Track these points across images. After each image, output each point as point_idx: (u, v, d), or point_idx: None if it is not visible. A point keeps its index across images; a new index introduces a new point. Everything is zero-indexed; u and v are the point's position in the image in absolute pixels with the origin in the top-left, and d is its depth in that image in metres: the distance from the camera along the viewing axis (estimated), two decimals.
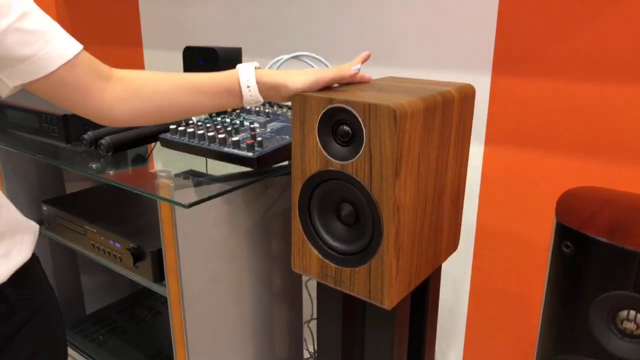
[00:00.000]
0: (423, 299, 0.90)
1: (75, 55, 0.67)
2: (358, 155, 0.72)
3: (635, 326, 0.58)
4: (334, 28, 1.44)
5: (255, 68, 0.79)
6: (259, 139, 0.98)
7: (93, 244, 1.23)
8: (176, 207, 0.88)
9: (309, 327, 1.47)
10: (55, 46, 0.66)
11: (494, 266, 1.35)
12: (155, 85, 0.76)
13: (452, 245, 0.93)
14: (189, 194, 0.90)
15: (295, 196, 0.81)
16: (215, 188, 0.94)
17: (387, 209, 0.71)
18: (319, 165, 0.76)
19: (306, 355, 1.46)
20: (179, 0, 1.77)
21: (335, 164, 0.75)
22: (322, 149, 0.75)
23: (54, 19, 0.68)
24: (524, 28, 1.15)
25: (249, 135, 1.02)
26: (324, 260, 0.81)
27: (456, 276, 1.41)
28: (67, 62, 0.67)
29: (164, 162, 1.14)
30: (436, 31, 1.27)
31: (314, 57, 1.23)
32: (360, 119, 0.70)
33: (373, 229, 0.74)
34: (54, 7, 2.14)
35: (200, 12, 1.72)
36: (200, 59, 1.25)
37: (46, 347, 0.76)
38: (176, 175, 0.99)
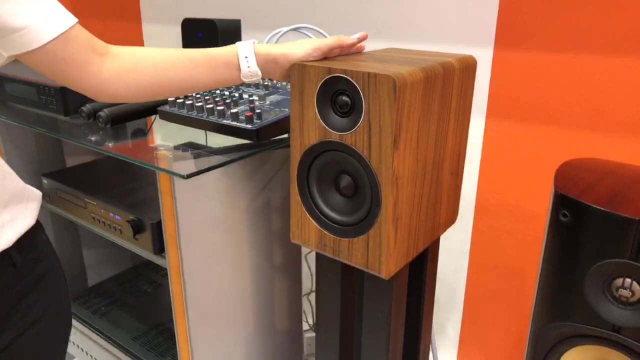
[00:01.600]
0: (421, 269, 0.91)
1: (69, 29, 0.67)
2: (357, 126, 0.71)
3: (630, 294, 0.59)
4: (334, 0, 1.42)
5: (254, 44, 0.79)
6: (257, 111, 0.97)
7: (93, 217, 1.24)
8: (175, 178, 0.88)
9: (309, 300, 1.48)
10: (48, 18, 0.65)
11: (492, 239, 1.36)
12: (152, 60, 0.76)
13: (451, 217, 0.93)
14: (188, 165, 0.90)
15: (294, 167, 0.81)
16: (214, 160, 0.94)
17: (385, 179, 0.71)
18: (317, 137, 0.76)
19: (305, 327, 1.48)
20: None
21: (334, 135, 0.74)
22: (320, 120, 0.75)
23: None
24: (526, 1, 1.14)
25: (248, 108, 1.01)
26: (323, 231, 0.81)
27: (455, 249, 1.42)
28: (61, 35, 0.66)
29: (163, 135, 1.14)
30: (438, 4, 1.26)
31: (313, 30, 1.22)
32: (359, 89, 0.69)
33: (371, 200, 0.74)
34: None
35: None
36: (199, 31, 1.24)
37: (51, 313, 0.77)
38: (175, 147, 0.99)
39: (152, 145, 1.10)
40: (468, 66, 0.83)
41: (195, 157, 0.94)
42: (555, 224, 0.64)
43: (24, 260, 0.72)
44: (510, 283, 1.37)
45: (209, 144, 1.05)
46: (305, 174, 0.80)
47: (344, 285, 0.88)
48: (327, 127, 0.75)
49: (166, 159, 0.90)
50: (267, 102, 1.06)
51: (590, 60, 1.09)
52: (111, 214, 1.18)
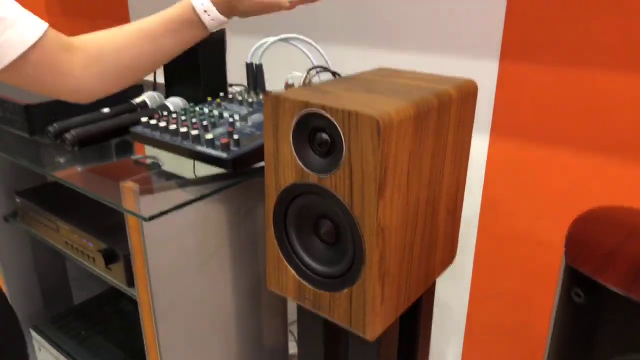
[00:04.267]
0: (414, 319, 0.81)
1: (40, 37, 0.63)
2: (337, 169, 0.62)
3: None
4: (326, 7, 1.32)
5: None
6: (235, 137, 0.88)
7: (66, 242, 1.15)
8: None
9: (291, 332, 1.39)
10: (16, 32, 0.61)
11: (496, 264, 1.26)
12: (112, 43, 0.71)
13: (448, 257, 0.84)
14: (156, 201, 0.81)
15: (270, 208, 0.72)
16: (186, 193, 0.85)
17: (369, 231, 0.61)
18: (294, 177, 0.67)
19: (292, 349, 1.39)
20: None
21: (312, 177, 0.65)
22: (297, 159, 0.65)
23: None
24: (536, 11, 1.03)
25: (227, 131, 0.92)
26: (302, 281, 0.72)
27: (456, 272, 1.33)
28: (32, 46, 0.62)
29: (134, 154, 1.05)
30: (439, 12, 1.15)
31: (303, 40, 1.12)
32: (339, 128, 0.60)
33: (354, 251, 0.65)
34: None
35: None
36: None
37: None
38: (143, 177, 0.90)
39: (121, 169, 1.01)
40: (468, 94, 0.73)
41: (165, 190, 0.85)
42: (566, 303, 0.54)
43: None
44: (514, 310, 1.27)
45: (185, 167, 0.95)
46: (282, 217, 0.71)
47: (327, 339, 0.79)
48: (304, 167, 0.65)
49: (132, 193, 0.81)
50: (249, 123, 0.97)
51: (608, 77, 0.99)
52: (84, 240, 1.10)
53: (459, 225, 0.83)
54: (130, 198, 0.82)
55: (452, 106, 0.69)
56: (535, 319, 1.24)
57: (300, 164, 0.65)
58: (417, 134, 0.63)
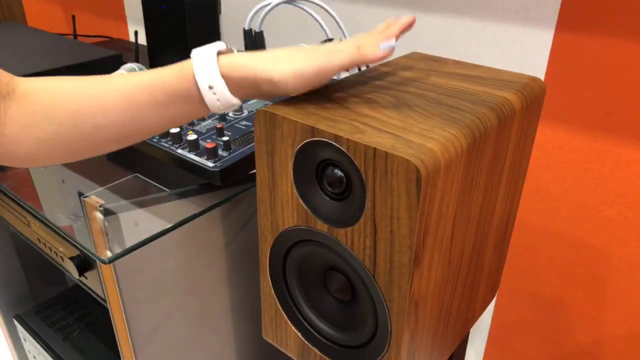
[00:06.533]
0: None
1: None
2: (356, 223, 0.44)
3: None
4: None
5: (219, 53, 0.49)
6: (225, 137, 0.70)
7: (39, 239, 1.00)
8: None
9: None
10: None
11: (530, 264, 1.10)
12: (71, 100, 0.48)
13: (491, 294, 0.67)
14: (125, 226, 0.65)
15: (264, 251, 0.55)
16: (168, 210, 0.68)
17: (398, 308, 0.45)
18: (295, 219, 0.49)
19: None
20: None
21: (320, 225, 0.47)
22: (299, 199, 0.48)
23: None
24: None
25: (215, 128, 0.74)
26: (305, 342, 0.56)
27: None
28: None
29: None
30: None
31: (315, 4, 0.91)
32: (361, 169, 0.42)
33: (376, 321, 0.48)
34: None
35: None
36: (161, 2, 0.94)
37: None
38: (113, 186, 0.73)
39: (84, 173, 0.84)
40: (533, 100, 0.54)
41: (138, 207, 0.68)
42: None
43: None
44: (547, 314, 1.13)
45: (164, 172, 0.78)
46: (280, 264, 0.54)
47: None
48: (309, 211, 0.48)
49: (94, 211, 0.64)
50: (244, 114, 0.78)
51: None
52: (55, 242, 0.95)
53: (506, 255, 0.66)
54: (94, 224, 0.65)
55: (514, 122, 0.50)
56: (573, 325, 1.10)
57: (304, 205, 0.48)
58: (469, 171, 0.45)
